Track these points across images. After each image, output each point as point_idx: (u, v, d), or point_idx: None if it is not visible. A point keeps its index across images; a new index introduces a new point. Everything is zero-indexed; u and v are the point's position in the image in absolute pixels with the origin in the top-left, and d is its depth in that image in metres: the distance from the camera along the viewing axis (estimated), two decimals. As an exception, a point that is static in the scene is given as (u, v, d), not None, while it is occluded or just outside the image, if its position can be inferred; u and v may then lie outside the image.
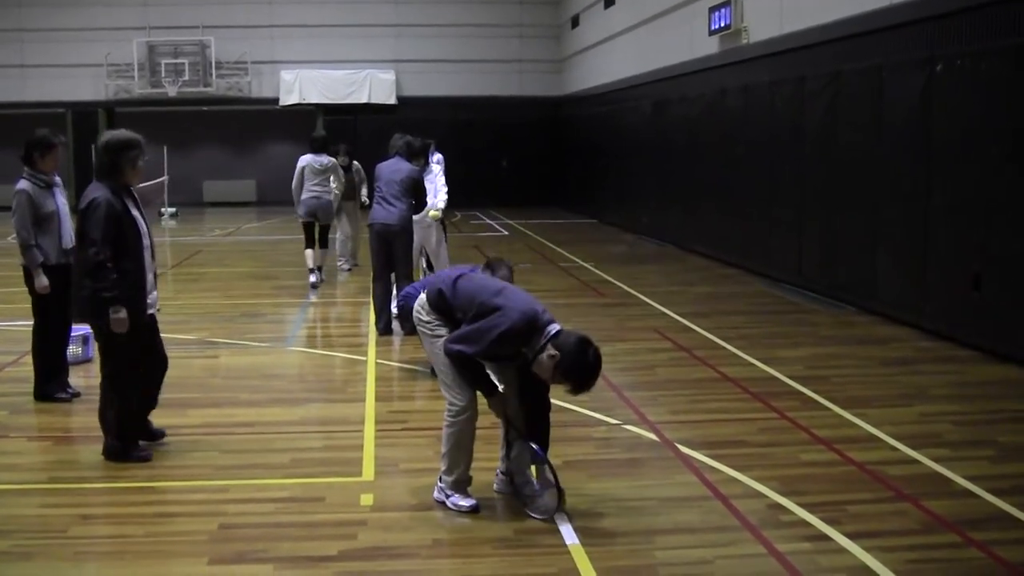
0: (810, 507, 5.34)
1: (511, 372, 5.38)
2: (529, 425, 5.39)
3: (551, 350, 5.01)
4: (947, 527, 5.10)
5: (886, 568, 4.59)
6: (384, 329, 10.08)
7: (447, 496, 5.41)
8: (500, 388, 5.36)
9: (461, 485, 5.42)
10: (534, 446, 5.32)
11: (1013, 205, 8.64)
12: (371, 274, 10.41)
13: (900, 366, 8.71)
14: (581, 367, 4.98)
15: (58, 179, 7.49)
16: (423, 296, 5.49)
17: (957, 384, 8.11)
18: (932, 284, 9.83)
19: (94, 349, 7.46)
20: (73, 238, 7.12)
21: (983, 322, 9.05)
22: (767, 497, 5.53)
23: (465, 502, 5.37)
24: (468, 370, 5.21)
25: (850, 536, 4.95)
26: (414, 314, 5.52)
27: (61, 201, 7.44)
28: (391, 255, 10.00)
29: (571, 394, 5.13)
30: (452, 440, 5.35)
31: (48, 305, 7.28)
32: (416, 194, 10.18)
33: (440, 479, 5.48)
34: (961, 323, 9.37)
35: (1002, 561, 4.69)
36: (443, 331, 5.32)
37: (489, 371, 5.34)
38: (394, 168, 10.20)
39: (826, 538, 4.97)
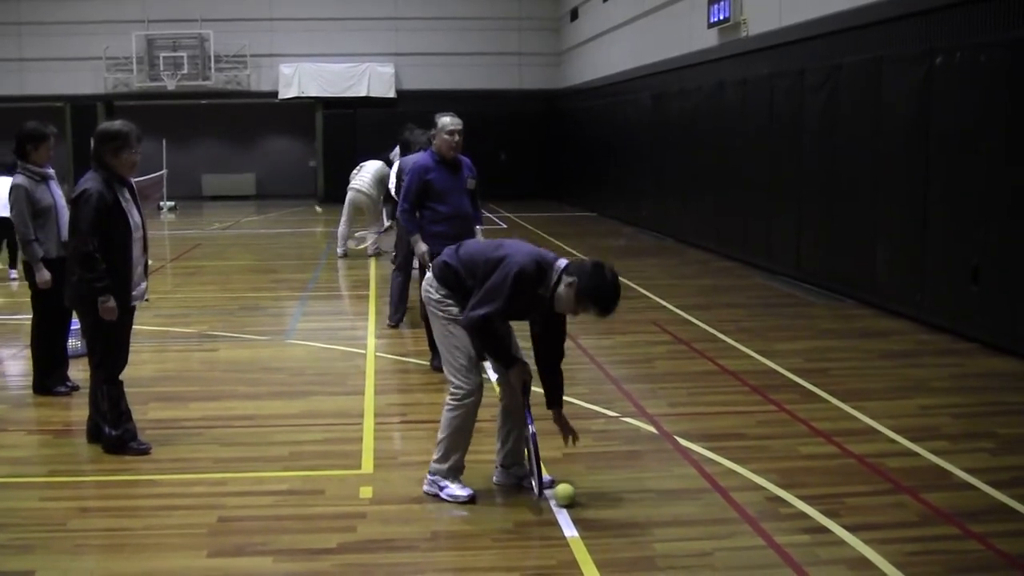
0: (809, 499, 5.35)
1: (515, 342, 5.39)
2: (545, 376, 5.41)
3: (567, 279, 5.02)
4: (946, 519, 5.10)
5: (885, 560, 4.59)
6: (398, 323, 10.06)
7: (440, 488, 5.39)
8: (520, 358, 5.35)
9: (456, 473, 5.41)
10: (531, 429, 5.33)
11: (1012, 198, 8.63)
12: (388, 266, 10.35)
13: (899, 359, 8.71)
14: (602, 287, 4.99)
15: (51, 171, 7.47)
16: (429, 274, 5.46)
17: (956, 377, 8.11)
18: (931, 277, 9.83)
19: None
20: None
21: (982, 315, 9.05)
22: (766, 489, 5.53)
23: (462, 492, 5.35)
24: (491, 339, 5.17)
25: (849, 528, 4.96)
26: (423, 294, 5.47)
27: (58, 194, 7.43)
28: None
29: (599, 317, 5.10)
30: (453, 424, 5.33)
31: (48, 299, 7.28)
32: None
33: (431, 470, 5.45)
34: (960, 316, 9.37)
35: (1001, 553, 4.70)
36: (455, 309, 5.28)
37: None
38: None
39: (825, 530, 4.97)
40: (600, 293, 5.00)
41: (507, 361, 5.28)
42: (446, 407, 5.36)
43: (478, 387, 5.31)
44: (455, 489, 5.36)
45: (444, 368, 5.43)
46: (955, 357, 8.75)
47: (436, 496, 5.41)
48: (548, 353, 5.41)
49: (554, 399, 5.42)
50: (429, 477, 5.46)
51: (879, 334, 9.73)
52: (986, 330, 9.01)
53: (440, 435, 5.40)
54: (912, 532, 4.96)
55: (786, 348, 9.05)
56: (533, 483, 5.34)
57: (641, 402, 7.32)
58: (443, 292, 5.33)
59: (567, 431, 5.45)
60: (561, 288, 5.05)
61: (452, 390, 5.33)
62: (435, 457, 5.43)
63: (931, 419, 6.87)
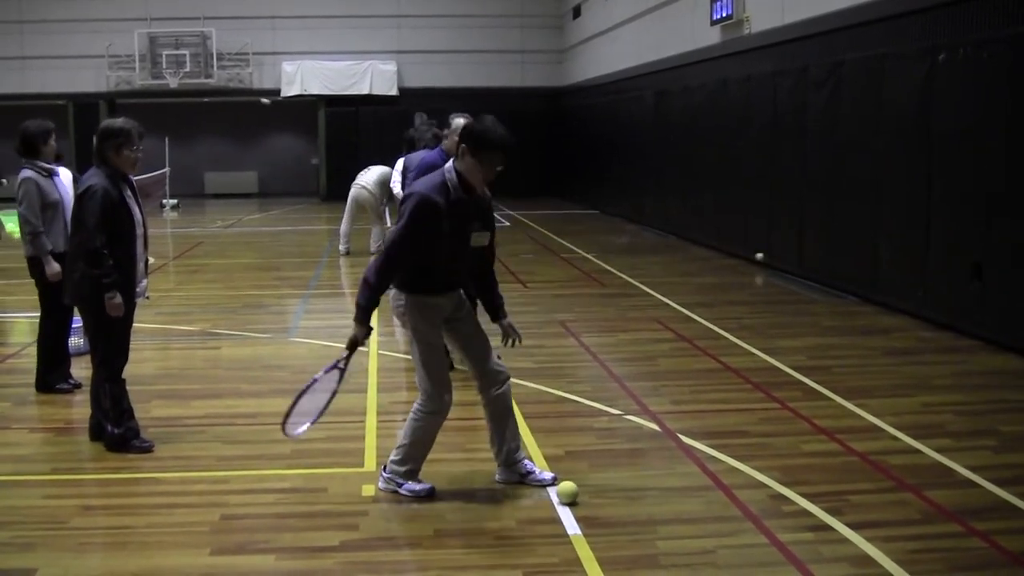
0: (812, 497, 5.34)
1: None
2: (484, 296, 5.53)
3: (459, 155, 5.10)
4: (949, 517, 5.10)
5: (887, 558, 4.59)
6: None
7: (398, 484, 5.41)
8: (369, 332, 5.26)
9: (413, 474, 5.44)
10: (318, 376, 5.29)
11: (1014, 194, 8.62)
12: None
13: (901, 356, 8.71)
14: (488, 130, 5.08)
15: (57, 167, 7.52)
16: (394, 290, 5.42)
17: (959, 374, 8.10)
18: (933, 274, 9.82)
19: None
20: None
21: (984, 312, 9.04)
22: (769, 487, 5.52)
23: (420, 487, 5.39)
24: (372, 293, 5.06)
25: (852, 526, 4.95)
26: (395, 305, 5.48)
27: (64, 189, 7.48)
28: None
29: (502, 165, 5.14)
30: (417, 435, 5.36)
31: (54, 295, 7.30)
32: None
33: (386, 468, 5.47)
34: (962, 313, 9.36)
35: (1004, 551, 4.69)
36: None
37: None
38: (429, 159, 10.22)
39: (828, 528, 4.97)
40: (489, 135, 5.07)
41: (364, 314, 5.11)
42: (412, 414, 5.38)
43: (446, 406, 5.34)
44: (413, 485, 5.39)
45: (417, 378, 5.39)
46: (957, 354, 8.74)
47: (395, 492, 5.42)
48: (481, 276, 5.52)
49: (498, 313, 5.53)
50: (385, 475, 5.48)
51: (881, 331, 9.73)
52: (988, 327, 9.00)
53: (402, 440, 5.41)
54: (915, 530, 4.96)
55: (788, 345, 9.04)
56: (287, 421, 5.27)
57: (644, 400, 7.32)
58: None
59: (513, 334, 5.51)
60: (461, 165, 5.11)
61: (422, 400, 5.34)
62: (394, 458, 5.45)
63: (934, 417, 6.87)
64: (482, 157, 5.07)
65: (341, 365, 5.27)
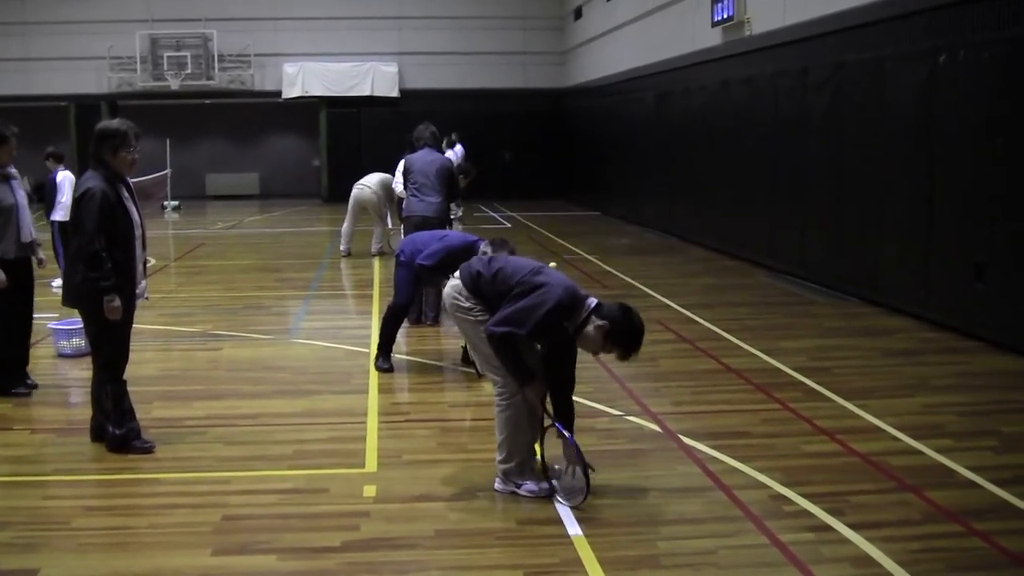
0: (813, 497, 5.34)
1: (538, 354, 5.38)
2: (556, 405, 5.42)
3: (597, 321, 5.10)
4: (950, 517, 5.10)
5: (888, 558, 4.59)
6: (416, 319, 10.10)
7: (517, 485, 5.39)
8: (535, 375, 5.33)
9: (526, 468, 5.41)
10: (565, 433, 5.33)
11: (1016, 195, 8.62)
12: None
13: (903, 357, 8.70)
14: (631, 332, 5.12)
15: (14, 171, 7.46)
16: (457, 282, 5.41)
17: (960, 375, 8.10)
18: (935, 275, 9.82)
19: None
20: (32, 232, 7.31)
21: (986, 313, 9.04)
22: (770, 488, 5.52)
23: (538, 487, 5.37)
24: (510, 354, 5.16)
25: (853, 526, 4.95)
26: (450, 301, 5.42)
27: (20, 194, 7.42)
28: None
29: (621, 360, 5.22)
30: (509, 424, 5.35)
31: (7, 301, 7.26)
32: (450, 185, 10.18)
33: (500, 470, 5.42)
34: (964, 314, 9.36)
35: (1005, 551, 4.69)
36: (485, 316, 5.28)
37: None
38: (429, 160, 10.14)
39: (829, 528, 4.97)
40: (628, 340, 5.13)
41: (523, 378, 5.22)
42: (497, 407, 5.38)
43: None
44: (532, 485, 5.38)
45: (484, 369, 5.41)
46: (959, 355, 8.73)
47: (513, 493, 5.40)
48: (559, 379, 5.41)
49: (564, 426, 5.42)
50: (499, 477, 5.46)
51: (883, 332, 9.72)
52: (990, 328, 9.00)
53: (498, 436, 5.41)
54: (916, 530, 4.96)
55: (790, 346, 9.04)
56: (580, 500, 5.29)
57: (645, 400, 7.32)
58: (473, 300, 5.34)
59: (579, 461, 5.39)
60: (590, 328, 5.13)
61: (499, 390, 5.34)
62: (499, 458, 5.43)
63: (935, 417, 6.86)
64: (612, 343, 5.14)
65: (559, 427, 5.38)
